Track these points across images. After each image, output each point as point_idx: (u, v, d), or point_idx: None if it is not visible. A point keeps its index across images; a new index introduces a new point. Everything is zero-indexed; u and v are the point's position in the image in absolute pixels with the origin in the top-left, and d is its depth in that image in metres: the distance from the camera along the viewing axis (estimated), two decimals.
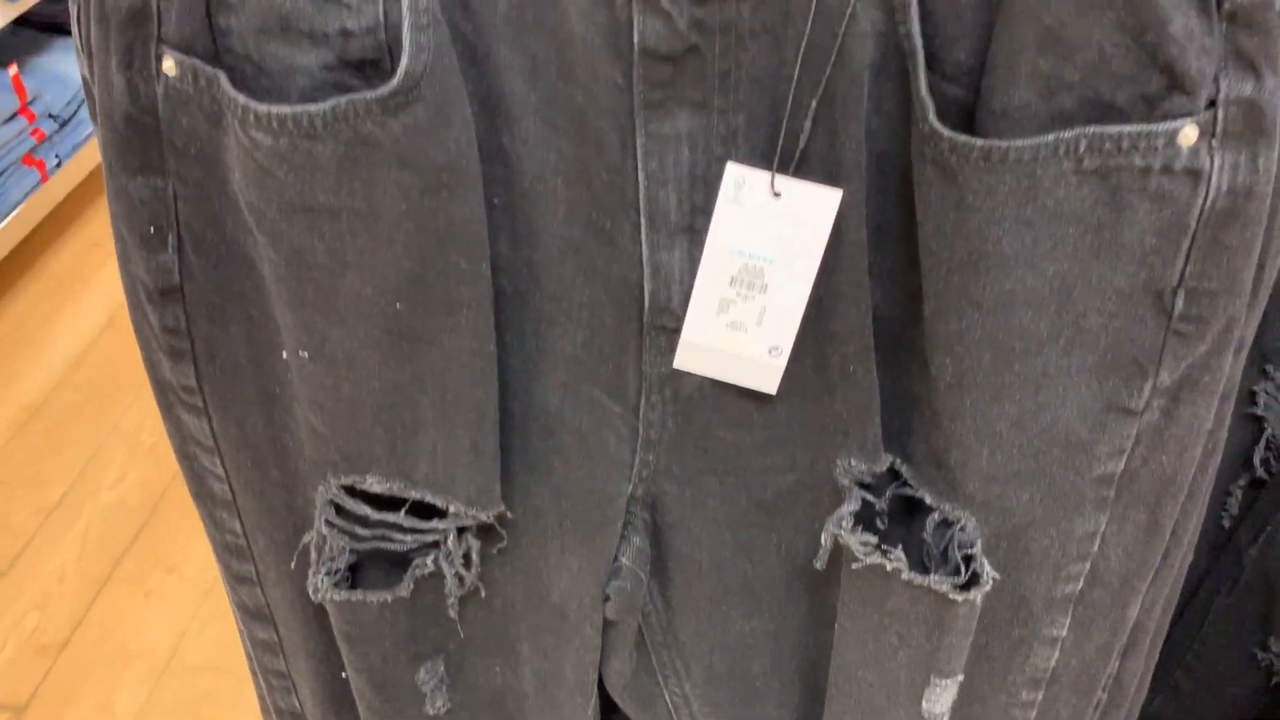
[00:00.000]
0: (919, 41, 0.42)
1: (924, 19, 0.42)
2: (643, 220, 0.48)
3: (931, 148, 0.43)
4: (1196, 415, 0.49)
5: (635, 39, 0.43)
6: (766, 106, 0.45)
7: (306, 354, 0.49)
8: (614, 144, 0.46)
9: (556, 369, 0.52)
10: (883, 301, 0.49)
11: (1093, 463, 0.50)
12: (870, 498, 0.53)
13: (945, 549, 0.52)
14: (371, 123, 0.44)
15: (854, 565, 0.52)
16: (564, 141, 0.47)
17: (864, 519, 0.53)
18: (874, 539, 0.51)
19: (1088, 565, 0.53)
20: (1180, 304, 0.46)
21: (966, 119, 0.44)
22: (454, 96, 0.45)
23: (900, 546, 0.52)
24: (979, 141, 0.42)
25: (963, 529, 0.51)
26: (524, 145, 0.47)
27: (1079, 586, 0.54)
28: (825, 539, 0.52)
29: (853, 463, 0.52)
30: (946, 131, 0.42)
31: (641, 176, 0.46)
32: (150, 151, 0.48)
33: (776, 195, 0.46)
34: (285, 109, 0.43)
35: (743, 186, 0.46)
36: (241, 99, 0.44)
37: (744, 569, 0.58)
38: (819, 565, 0.54)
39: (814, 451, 0.53)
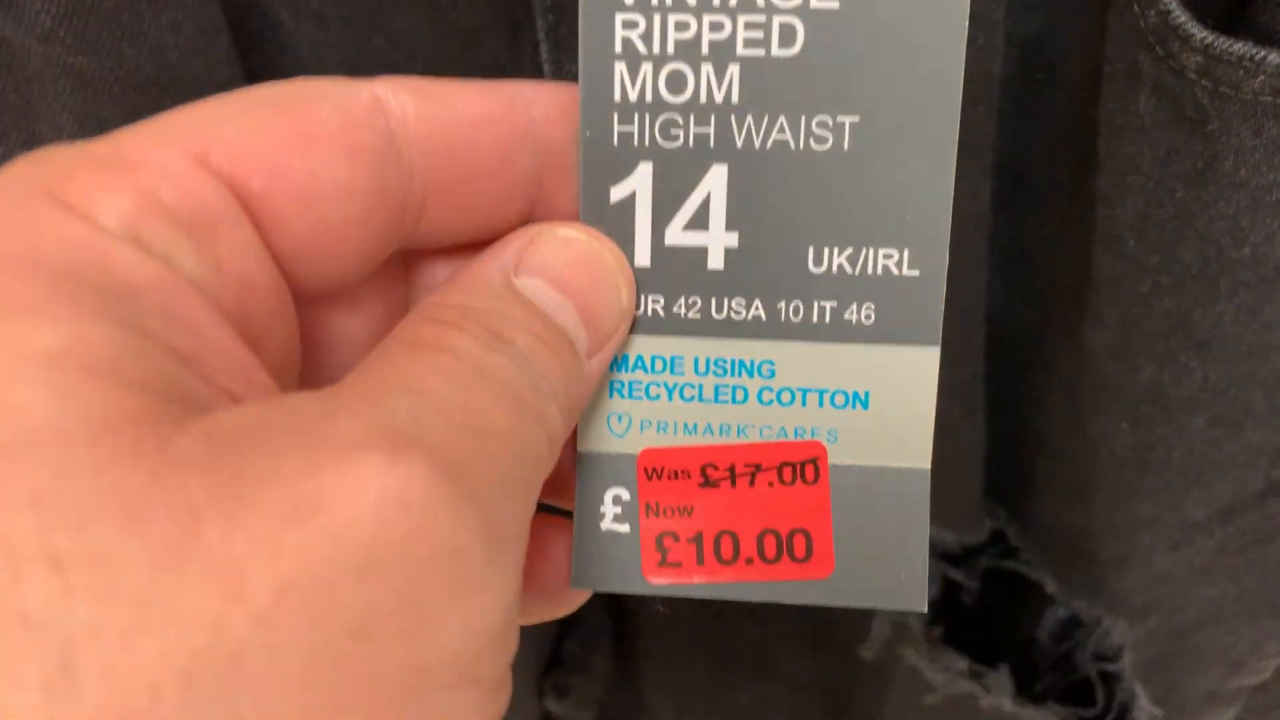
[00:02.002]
0: None
1: None
2: None
3: (1153, 60, 0.20)
4: None
5: None
6: None
7: None
8: None
9: None
10: (1003, 303, 0.27)
11: None
12: (956, 575, 0.33)
13: (1069, 654, 0.33)
14: None
15: (928, 698, 0.33)
16: None
17: (946, 605, 0.33)
18: (964, 663, 0.32)
19: None
20: None
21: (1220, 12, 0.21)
22: None
23: (996, 644, 0.33)
24: (1273, 56, 0.19)
25: (1105, 634, 0.32)
26: None
27: (1265, 679, 0.36)
28: (877, 640, 0.33)
29: (936, 530, 0.32)
30: (1198, 29, 0.19)
31: None
32: None
33: None
34: None
35: None
36: None
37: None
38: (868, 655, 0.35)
39: None
